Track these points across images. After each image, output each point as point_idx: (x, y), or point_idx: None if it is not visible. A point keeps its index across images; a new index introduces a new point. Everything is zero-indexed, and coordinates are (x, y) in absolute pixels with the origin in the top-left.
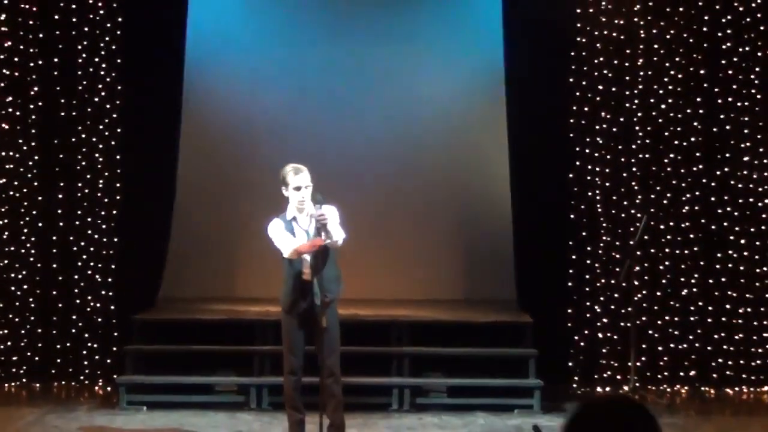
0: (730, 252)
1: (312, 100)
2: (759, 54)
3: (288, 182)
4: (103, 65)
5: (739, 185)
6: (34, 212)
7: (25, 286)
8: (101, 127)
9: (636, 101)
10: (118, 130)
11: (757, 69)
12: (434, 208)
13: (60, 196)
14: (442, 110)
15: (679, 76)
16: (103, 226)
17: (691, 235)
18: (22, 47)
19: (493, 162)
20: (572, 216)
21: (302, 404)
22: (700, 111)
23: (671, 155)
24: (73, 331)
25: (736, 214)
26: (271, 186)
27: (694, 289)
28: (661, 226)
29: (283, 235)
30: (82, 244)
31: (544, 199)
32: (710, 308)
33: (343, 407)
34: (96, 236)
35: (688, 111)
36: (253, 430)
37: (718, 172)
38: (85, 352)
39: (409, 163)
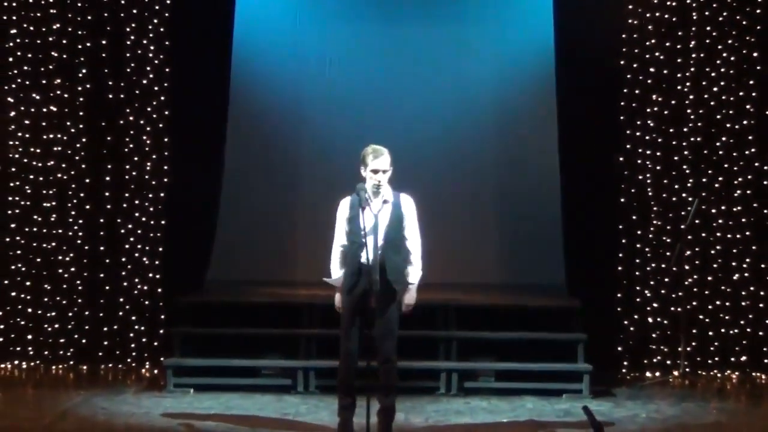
0: None
1: (360, 83)
2: None
3: (366, 163)
4: (152, 47)
5: None
6: (81, 195)
7: (73, 269)
8: (149, 109)
9: (688, 84)
10: (166, 113)
11: None
12: (483, 191)
13: (107, 178)
14: (491, 93)
15: (732, 58)
16: (151, 209)
17: (743, 219)
18: (70, 29)
19: (543, 145)
20: (622, 200)
21: (354, 389)
22: (753, 94)
23: (723, 138)
24: (120, 313)
25: None
26: (319, 169)
27: (746, 274)
28: (713, 210)
29: (338, 233)
30: (130, 226)
31: (594, 183)
32: (762, 293)
33: (395, 394)
34: (143, 219)
35: (741, 94)
36: (300, 413)
37: None
38: (132, 334)
39: (457, 145)
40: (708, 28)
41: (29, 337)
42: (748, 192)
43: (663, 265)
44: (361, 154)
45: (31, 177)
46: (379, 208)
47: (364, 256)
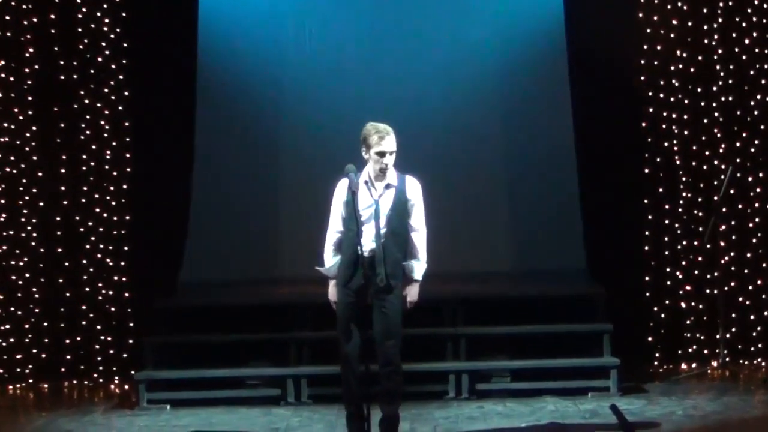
0: None
1: (345, 55)
2: None
3: (370, 145)
4: (106, 20)
5: None
6: (34, 190)
7: (27, 275)
8: (106, 90)
9: (716, 37)
10: (126, 93)
11: None
12: (490, 168)
13: (63, 170)
14: (495, 58)
15: (765, 5)
16: (113, 203)
17: None
18: (13, 3)
19: (556, 115)
20: (647, 170)
21: (358, 396)
22: None
23: (758, 96)
24: (84, 323)
25: None
26: (302, 152)
27: None
28: (749, 178)
29: (334, 219)
30: (90, 224)
31: (614, 153)
32: None
33: (399, 401)
34: (105, 215)
35: None
36: (292, 427)
37: None
38: (98, 346)
39: (459, 119)
40: None
41: None
42: None
43: (695, 243)
44: (361, 134)
45: None
46: (381, 193)
47: (364, 245)
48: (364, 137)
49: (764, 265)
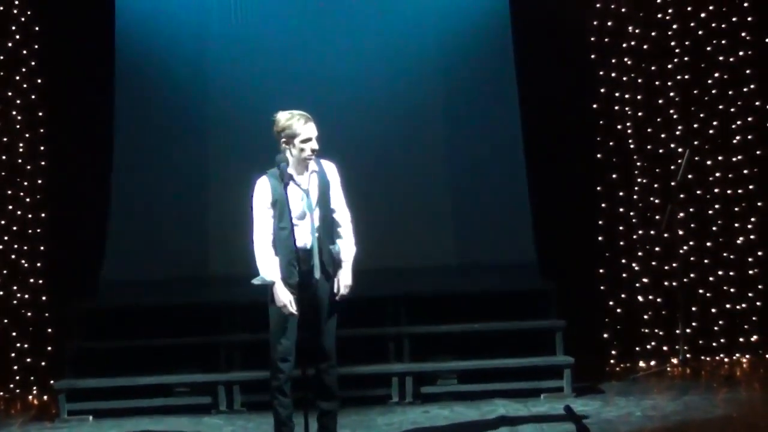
0: None
1: (275, 34)
2: None
3: (295, 132)
4: (16, 2)
5: None
6: None
7: None
8: (17, 78)
9: (670, 11)
10: (39, 81)
11: None
12: (431, 155)
13: None
14: (435, 37)
15: None
16: (27, 199)
17: (745, 171)
18: None
19: (500, 96)
20: (599, 156)
21: (292, 398)
22: (749, 18)
23: (715, 74)
24: None
25: None
26: (231, 140)
27: (752, 236)
28: (708, 162)
29: (262, 222)
30: (2, 222)
31: (564, 138)
32: None
33: (338, 399)
34: (19, 212)
35: (734, 19)
36: None
37: None
38: (13, 354)
39: (398, 105)
40: None
41: None
42: (749, 137)
43: (652, 232)
44: (277, 125)
45: None
46: (308, 182)
47: (300, 240)
48: (283, 127)
49: (725, 254)
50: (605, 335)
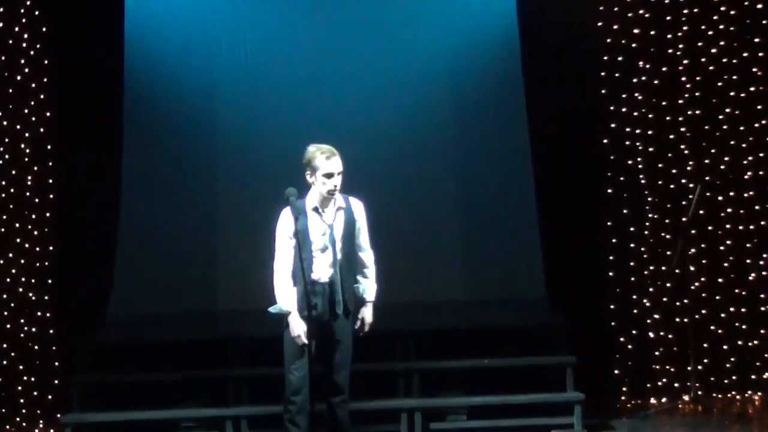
0: None
1: (286, 68)
2: None
3: (316, 167)
4: (25, 35)
5: None
6: None
7: None
8: (26, 111)
9: (681, 46)
10: (47, 114)
11: None
12: (439, 187)
13: None
14: (445, 70)
15: (732, 12)
16: (35, 233)
17: (757, 207)
18: None
19: (511, 129)
20: (609, 190)
21: (307, 430)
22: (760, 54)
23: (727, 110)
24: (4, 362)
25: None
26: (240, 174)
27: (764, 272)
28: (719, 198)
29: (283, 252)
30: (10, 255)
31: (575, 173)
32: None
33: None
34: (27, 245)
35: (745, 55)
36: None
37: None
38: (20, 387)
39: (408, 138)
40: None
41: None
42: (761, 173)
43: (663, 268)
44: (304, 157)
45: None
46: (333, 218)
47: (317, 273)
48: (308, 160)
49: (737, 291)
50: (616, 371)
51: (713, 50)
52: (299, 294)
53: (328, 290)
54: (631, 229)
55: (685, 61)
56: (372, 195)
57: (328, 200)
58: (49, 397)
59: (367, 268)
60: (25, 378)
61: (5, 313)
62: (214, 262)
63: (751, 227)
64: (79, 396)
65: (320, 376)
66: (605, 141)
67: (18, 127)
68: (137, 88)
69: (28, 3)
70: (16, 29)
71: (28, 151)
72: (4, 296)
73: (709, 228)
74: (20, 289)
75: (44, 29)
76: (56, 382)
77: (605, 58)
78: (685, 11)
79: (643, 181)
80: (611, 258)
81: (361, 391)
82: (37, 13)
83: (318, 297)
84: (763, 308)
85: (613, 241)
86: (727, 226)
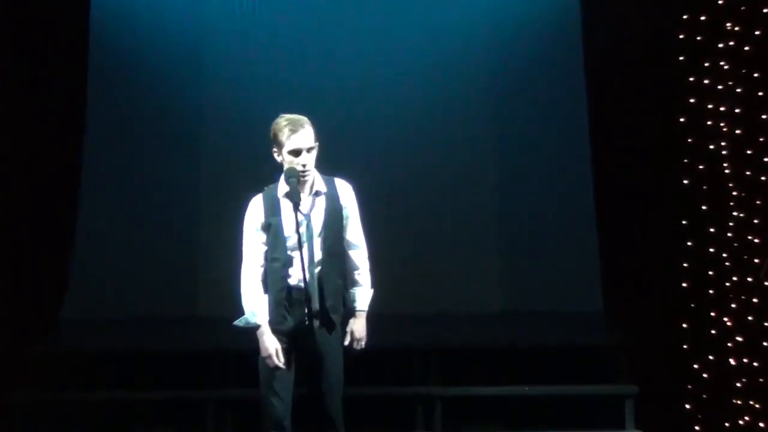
0: None
1: (291, 28)
2: None
3: (281, 142)
4: None
5: None
6: None
7: None
8: None
9: None
10: None
11: None
12: (476, 181)
13: None
14: (487, 47)
15: None
16: None
17: None
18: None
19: (566, 105)
20: (685, 181)
21: None
22: None
23: None
24: None
25: None
26: (224, 155)
27: None
28: None
29: (251, 250)
30: None
31: (643, 159)
32: None
33: None
34: None
35: None
36: None
37: None
38: None
39: (441, 125)
40: None
41: None
42: None
43: (749, 279)
44: (270, 130)
45: None
46: (311, 205)
47: (294, 277)
48: (274, 133)
49: None
50: (687, 406)
51: None
52: (271, 304)
53: (305, 298)
54: (711, 230)
55: None
56: (398, 192)
57: (302, 184)
58: None
59: (359, 269)
60: None
61: None
62: (192, 260)
63: None
64: (26, 418)
65: (307, 406)
66: (681, 120)
67: None
68: (102, 61)
69: None
70: None
71: None
72: None
73: None
74: None
75: None
76: None
77: (684, 17)
78: None
79: (727, 171)
80: (685, 265)
81: (370, 421)
82: None
83: (294, 307)
84: None
85: (688, 244)
86: None
